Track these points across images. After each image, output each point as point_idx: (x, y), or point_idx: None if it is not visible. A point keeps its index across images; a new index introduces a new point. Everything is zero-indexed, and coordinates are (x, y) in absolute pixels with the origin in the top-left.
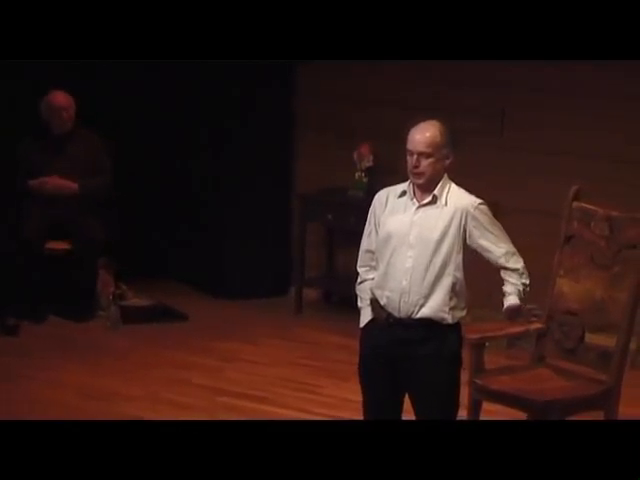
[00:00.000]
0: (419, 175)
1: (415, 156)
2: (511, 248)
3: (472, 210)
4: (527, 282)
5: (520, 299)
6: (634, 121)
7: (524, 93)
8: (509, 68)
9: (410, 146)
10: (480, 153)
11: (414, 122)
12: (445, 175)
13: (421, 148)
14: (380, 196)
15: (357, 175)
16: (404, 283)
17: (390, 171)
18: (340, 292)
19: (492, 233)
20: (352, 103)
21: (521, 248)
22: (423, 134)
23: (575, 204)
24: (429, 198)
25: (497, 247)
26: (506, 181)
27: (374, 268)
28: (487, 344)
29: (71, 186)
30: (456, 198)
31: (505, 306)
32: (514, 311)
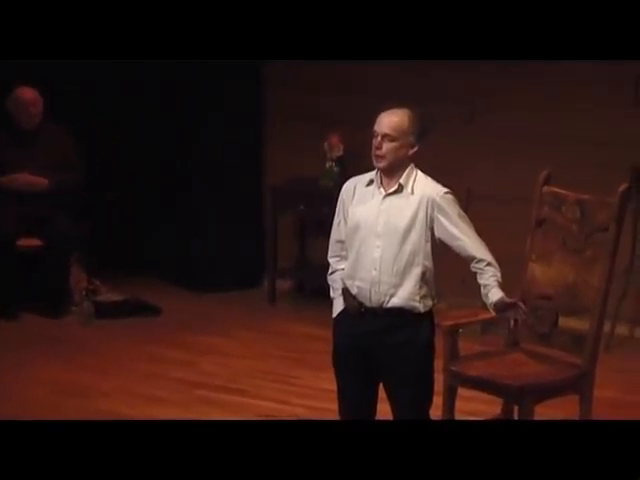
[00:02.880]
0: (380, 158)
1: (379, 138)
2: (479, 239)
3: (438, 199)
4: (500, 274)
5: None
6: (604, 104)
7: (493, 78)
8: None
9: (376, 127)
10: (450, 139)
11: (386, 108)
12: (412, 164)
13: (386, 130)
14: (348, 186)
15: (328, 165)
16: (374, 273)
17: (361, 160)
18: (313, 282)
19: (461, 222)
20: (321, 93)
21: (493, 233)
22: (391, 117)
23: (545, 188)
24: (395, 187)
25: (467, 237)
26: (477, 167)
27: (345, 258)
28: (461, 330)
29: (41, 182)
30: (423, 186)
31: (496, 299)
32: (508, 305)
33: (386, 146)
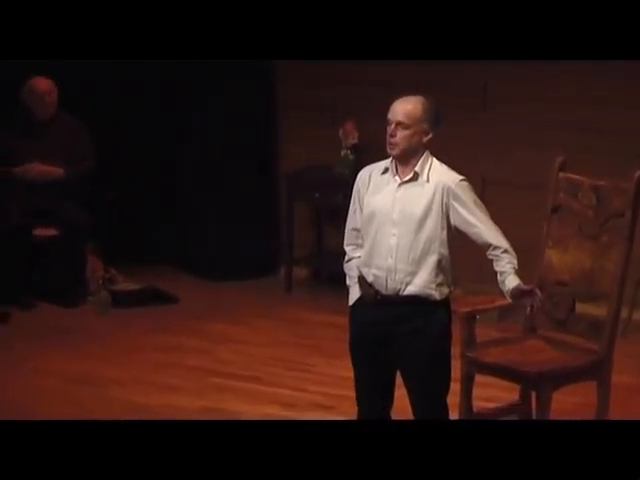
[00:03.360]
0: (393, 146)
1: (393, 125)
2: (495, 226)
3: (453, 186)
4: (516, 261)
5: None
6: (617, 91)
7: (506, 66)
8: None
9: (390, 115)
10: (464, 128)
11: (400, 96)
12: (427, 152)
13: (399, 118)
14: (363, 174)
15: (343, 153)
16: (390, 261)
17: (376, 148)
18: (329, 270)
19: (476, 209)
20: (335, 80)
21: (509, 221)
22: (404, 105)
23: (561, 175)
24: (410, 175)
25: (483, 224)
26: (491, 155)
27: (361, 246)
28: (478, 317)
29: (57, 172)
30: (438, 174)
31: (513, 286)
32: (524, 292)
33: (400, 134)
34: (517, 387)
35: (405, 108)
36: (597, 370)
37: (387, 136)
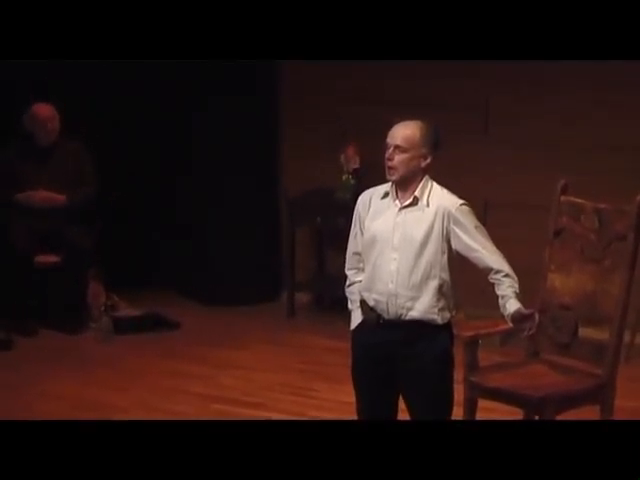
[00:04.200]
0: (391, 170)
1: (391, 149)
2: (497, 250)
3: (454, 211)
4: (517, 284)
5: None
6: (619, 110)
7: (508, 87)
8: (492, 61)
9: (388, 139)
10: (466, 149)
11: (399, 120)
12: (426, 176)
13: (398, 142)
14: (363, 198)
15: (344, 177)
16: (390, 286)
17: (377, 172)
18: (331, 294)
19: (477, 234)
20: (337, 104)
21: (510, 243)
22: (403, 129)
23: (563, 198)
24: (410, 199)
25: (484, 248)
26: (493, 177)
27: (362, 270)
28: (480, 341)
29: (58, 198)
30: (438, 199)
31: (513, 310)
32: (525, 316)
33: (398, 158)
34: (520, 412)
35: (404, 132)
36: (600, 394)
37: (385, 160)
